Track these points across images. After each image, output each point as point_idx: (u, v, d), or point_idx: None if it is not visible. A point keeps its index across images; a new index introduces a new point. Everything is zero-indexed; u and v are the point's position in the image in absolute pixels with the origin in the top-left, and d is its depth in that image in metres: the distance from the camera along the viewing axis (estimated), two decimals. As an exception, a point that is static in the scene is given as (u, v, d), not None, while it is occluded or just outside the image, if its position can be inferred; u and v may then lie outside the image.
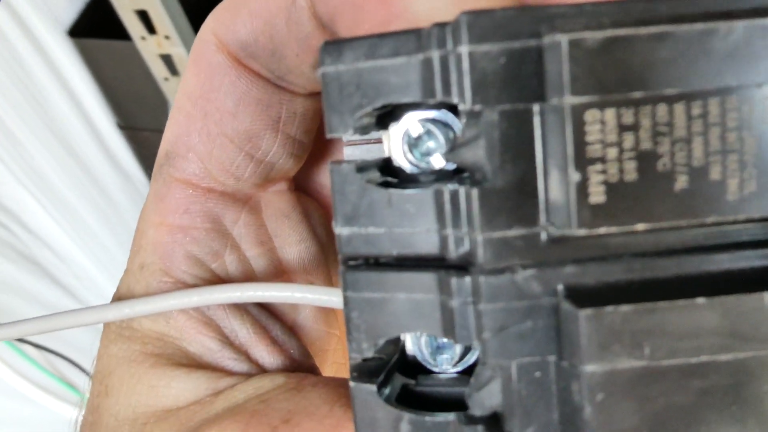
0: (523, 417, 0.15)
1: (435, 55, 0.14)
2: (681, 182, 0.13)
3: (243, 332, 0.23)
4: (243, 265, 0.24)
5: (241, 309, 0.23)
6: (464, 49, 0.13)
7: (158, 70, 0.94)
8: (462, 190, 0.14)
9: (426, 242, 0.15)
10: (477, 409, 0.15)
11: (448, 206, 0.15)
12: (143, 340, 0.23)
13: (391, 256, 0.16)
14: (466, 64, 0.13)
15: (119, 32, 0.92)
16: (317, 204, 0.27)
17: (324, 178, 0.27)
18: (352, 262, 0.16)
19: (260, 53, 0.21)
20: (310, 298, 0.22)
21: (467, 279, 0.14)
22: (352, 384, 0.17)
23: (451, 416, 0.16)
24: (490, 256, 0.14)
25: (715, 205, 0.13)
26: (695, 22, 0.12)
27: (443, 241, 0.15)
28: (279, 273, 0.25)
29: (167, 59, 0.92)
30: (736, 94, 0.13)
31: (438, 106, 0.16)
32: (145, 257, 0.23)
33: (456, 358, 0.17)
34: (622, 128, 0.13)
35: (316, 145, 0.25)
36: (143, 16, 0.88)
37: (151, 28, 0.89)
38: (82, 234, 1.03)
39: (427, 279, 0.15)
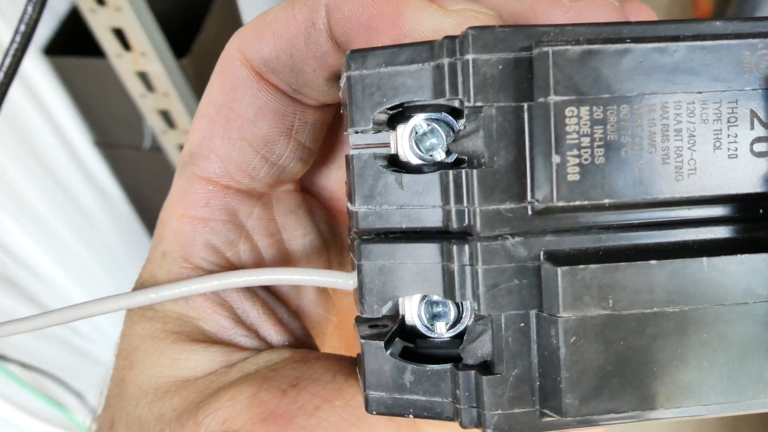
0: (509, 361, 0.18)
1: (445, 62, 0.17)
2: (639, 167, 0.17)
3: (253, 313, 0.26)
4: (255, 253, 0.27)
5: (252, 292, 0.26)
6: (470, 57, 0.17)
7: (134, 86, 0.94)
8: (463, 172, 0.17)
9: (431, 217, 0.18)
10: (470, 359, 0.19)
11: (451, 186, 0.18)
12: (164, 319, 0.25)
13: (400, 230, 0.19)
14: (470, 69, 0.17)
15: (95, 50, 0.92)
16: (320, 203, 0.30)
17: (326, 181, 0.30)
18: (366, 236, 0.19)
19: (281, 69, 0.23)
20: (318, 280, 0.24)
21: (466, 246, 0.18)
22: (362, 341, 0.20)
23: (447, 366, 0.19)
24: (486, 226, 0.17)
25: (665, 186, 0.17)
26: (649, 42, 0.16)
27: (446, 215, 0.18)
28: (285, 262, 0.28)
29: (143, 76, 0.92)
30: (681, 97, 0.16)
31: (440, 109, 0.19)
32: (167, 246, 0.26)
33: (450, 323, 0.20)
34: (594, 122, 0.16)
35: (321, 152, 0.28)
36: (119, 33, 0.88)
37: (126, 46, 0.89)
38: (60, 251, 1.02)
39: (431, 248, 0.18)
